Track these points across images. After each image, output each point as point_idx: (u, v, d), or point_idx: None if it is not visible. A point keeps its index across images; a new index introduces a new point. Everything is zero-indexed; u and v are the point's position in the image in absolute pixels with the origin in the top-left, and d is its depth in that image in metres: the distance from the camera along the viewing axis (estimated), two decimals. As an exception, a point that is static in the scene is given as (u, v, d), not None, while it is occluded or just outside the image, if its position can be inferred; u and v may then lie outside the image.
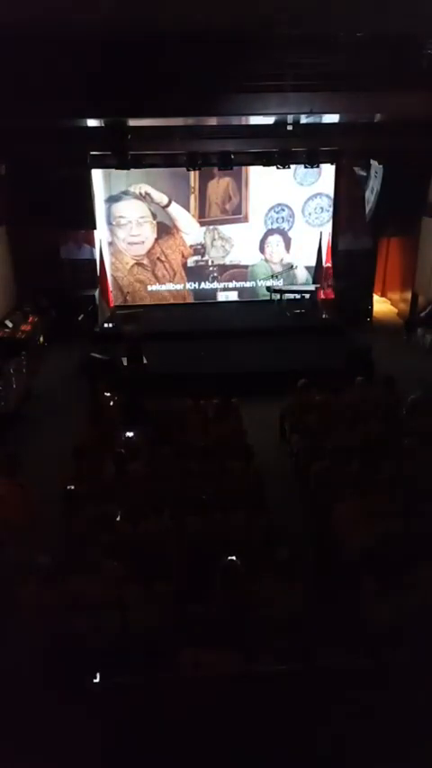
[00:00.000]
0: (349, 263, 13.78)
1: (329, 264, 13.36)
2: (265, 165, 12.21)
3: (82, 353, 10.69)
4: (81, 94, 7.91)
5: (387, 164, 11.41)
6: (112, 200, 13.34)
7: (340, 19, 7.50)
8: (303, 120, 9.54)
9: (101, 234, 13.23)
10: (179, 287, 14.17)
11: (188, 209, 13.56)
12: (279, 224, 14.01)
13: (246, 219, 13.86)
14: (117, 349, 10.17)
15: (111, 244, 13.60)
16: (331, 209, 13.86)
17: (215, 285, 14.24)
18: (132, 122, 9.60)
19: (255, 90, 8.27)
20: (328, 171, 13.51)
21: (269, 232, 14.05)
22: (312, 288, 13.49)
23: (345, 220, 13.77)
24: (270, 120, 9.49)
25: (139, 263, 13.92)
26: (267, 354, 10.93)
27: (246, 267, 14.21)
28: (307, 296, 13.44)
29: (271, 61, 8.21)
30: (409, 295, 13.53)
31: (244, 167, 13.09)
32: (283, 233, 14.09)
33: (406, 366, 10.11)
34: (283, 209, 13.90)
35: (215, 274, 14.20)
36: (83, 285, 13.22)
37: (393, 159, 11.29)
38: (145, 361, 9.84)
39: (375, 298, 14.50)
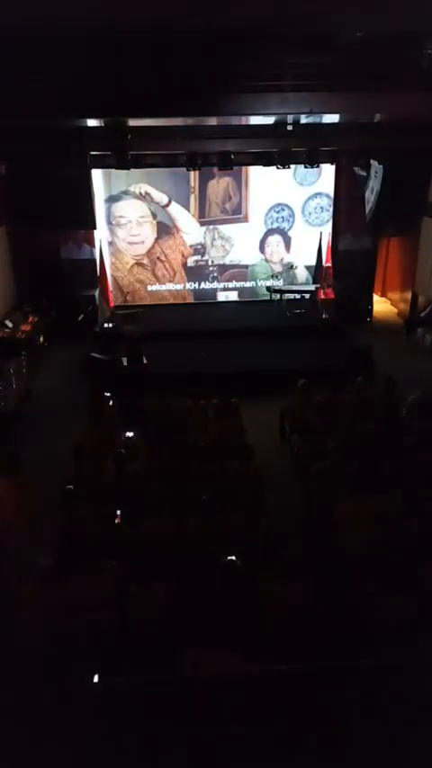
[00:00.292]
0: (349, 263, 13.79)
1: (329, 264, 13.36)
2: (265, 165, 12.20)
3: (82, 353, 10.69)
4: (81, 94, 7.91)
5: (387, 164, 11.40)
6: (112, 199, 13.35)
7: (340, 19, 7.49)
8: (303, 120, 9.52)
9: (101, 234, 13.23)
10: (179, 287, 14.18)
11: (188, 209, 13.57)
12: (279, 224, 14.02)
13: (246, 219, 13.87)
14: (117, 349, 10.17)
15: (111, 243, 13.60)
16: (331, 209, 13.87)
17: (215, 285, 14.24)
18: (132, 122, 9.59)
19: (255, 90, 8.26)
20: (328, 171, 13.51)
21: (269, 232, 14.06)
22: (312, 288, 13.49)
23: (345, 220, 13.77)
24: (270, 120, 9.48)
25: (139, 263, 13.92)
26: (267, 354, 10.93)
27: (246, 267, 14.21)
28: (307, 296, 13.44)
29: (271, 61, 8.20)
30: (409, 295, 13.53)
31: (244, 167, 13.10)
32: (282, 233, 14.09)
33: (406, 366, 10.12)
34: (283, 209, 13.90)
35: (215, 274, 14.21)
36: (83, 285, 13.23)
37: (393, 159, 11.28)
38: (145, 361, 9.85)
39: (375, 298, 14.50)
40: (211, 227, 13.83)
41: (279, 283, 14.09)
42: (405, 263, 13.99)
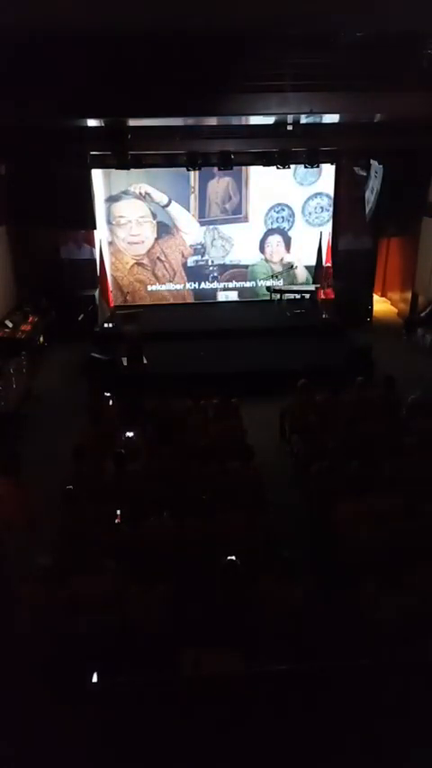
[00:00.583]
0: (349, 263, 13.77)
1: (329, 264, 13.35)
2: (265, 165, 12.20)
3: (82, 353, 10.69)
4: (81, 94, 7.91)
5: (387, 164, 11.40)
6: (112, 199, 13.33)
7: (340, 19, 7.49)
8: (303, 120, 9.52)
9: (101, 233, 13.22)
10: (179, 286, 14.16)
11: (188, 209, 13.56)
12: (279, 224, 14.00)
13: (246, 219, 13.85)
14: (117, 349, 10.17)
15: (111, 243, 13.58)
16: (331, 209, 13.86)
17: (215, 285, 14.23)
18: (132, 122, 9.59)
19: (255, 90, 8.25)
20: (328, 170, 13.49)
21: (269, 232, 14.04)
22: (312, 288, 13.48)
23: (345, 220, 13.76)
24: (270, 120, 9.48)
25: (139, 263, 13.91)
26: (267, 354, 10.92)
27: (246, 267, 14.20)
28: (307, 296, 13.44)
29: (271, 61, 8.19)
30: (409, 295, 13.53)
31: (244, 167, 13.09)
32: (283, 233, 14.08)
33: (406, 366, 10.11)
34: (284, 209, 13.89)
35: (215, 274, 14.19)
36: (83, 285, 13.21)
37: (393, 159, 11.28)
38: (145, 361, 9.85)
39: (375, 298, 14.49)
40: (211, 226, 13.82)
41: (279, 283, 14.09)
42: (405, 263, 13.99)
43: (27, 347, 10.62)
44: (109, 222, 13.46)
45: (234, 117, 9.64)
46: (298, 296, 13.55)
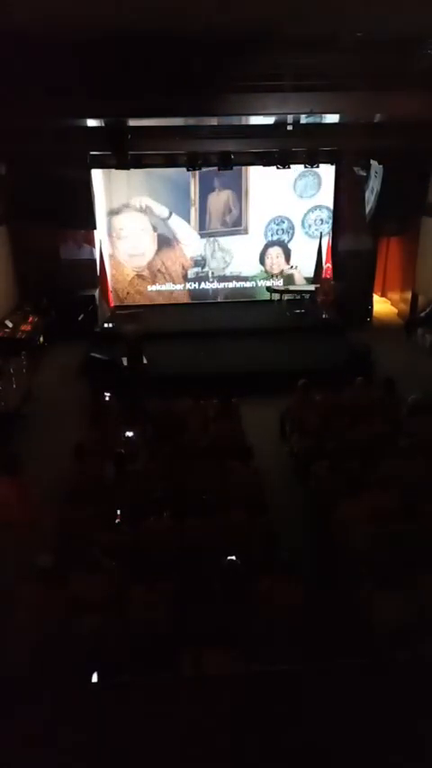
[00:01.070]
0: (349, 264, 13.77)
1: (329, 265, 13.36)
2: (265, 165, 12.22)
3: (82, 353, 10.69)
4: (81, 94, 7.91)
5: (387, 164, 11.40)
6: (112, 212, 13.33)
7: (340, 19, 7.49)
8: (303, 120, 9.52)
9: (101, 241, 13.17)
10: (179, 287, 14.14)
11: (188, 222, 13.56)
12: (279, 236, 14.02)
13: (245, 231, 13.87)
14: (117, 349, 10.17)
15: (111, 256, 13.54)
16: (331, 221, 13.87)
17: (215, 285, 14.22)
18: (132, 122, 9.59)
19: (255, 90, 8.27)
20: (327, 182, 13.53)
21: (269, 244, 14.05)
22: (312, 288, 13.49)
23: (345, 221, 13.76)
24: (270, 120, 9.49)
25: (139, 275, 13.91)
26: (267, 354, 10.93)
27: (246, 279, 14.21)
28: (307, 296, 13.44)
29: (271, 61, 8.20)
30: (409, 295, 13.53)
31: (244, 178, 13.19)
32: (282, 245, 14.10)
33: (406, 366, 10.11)
34: (283, 221, 13.91)
35: (215, 286, 14.21)
36: (83, 285, 13.22)
37: (393, 159, 11.27)
38: (145, 361, 9.85)
39: (375, 298, 14.49)
40: (211, 239, 13.82)
41: (279, 283, 14.10)
42: (405, 263, 13.99)
43: (27, 347, 10.62)
44: (110, 235, 13.43)
45: (234, 117, 9.64)
46: (298, 296, 13.56)
